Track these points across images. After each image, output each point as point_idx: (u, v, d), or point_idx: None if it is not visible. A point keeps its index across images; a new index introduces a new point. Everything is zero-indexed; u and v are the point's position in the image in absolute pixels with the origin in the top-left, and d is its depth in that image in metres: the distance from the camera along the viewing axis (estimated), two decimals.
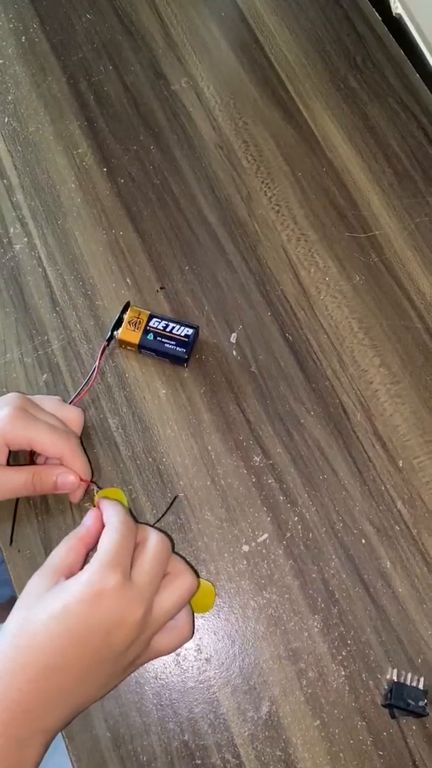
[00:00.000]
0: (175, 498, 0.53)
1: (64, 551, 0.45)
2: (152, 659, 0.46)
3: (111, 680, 0.42)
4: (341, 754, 0.48)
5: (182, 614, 0.45)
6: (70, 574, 0.42)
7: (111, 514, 0.45)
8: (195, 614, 0.50)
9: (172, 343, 0.56)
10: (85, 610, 0.39)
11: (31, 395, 0.55)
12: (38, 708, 0.38)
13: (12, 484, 0.48)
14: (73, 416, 0.52)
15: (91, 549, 0.46)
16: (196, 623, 0.50)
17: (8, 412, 0.47)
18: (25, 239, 0.61)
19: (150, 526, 0.51)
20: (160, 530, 0.48)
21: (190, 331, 0.56)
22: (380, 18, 0.72)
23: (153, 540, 0.45)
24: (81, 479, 0.49)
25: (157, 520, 0.53)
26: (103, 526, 0.45)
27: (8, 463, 0.49)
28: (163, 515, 0.53)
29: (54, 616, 0.39)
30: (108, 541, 0.43)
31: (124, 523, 0.44)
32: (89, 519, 0.46)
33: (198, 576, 0.51)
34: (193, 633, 0.46)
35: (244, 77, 0.69)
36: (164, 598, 0.43)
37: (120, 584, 0.40)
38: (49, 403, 0.52)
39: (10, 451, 0.49)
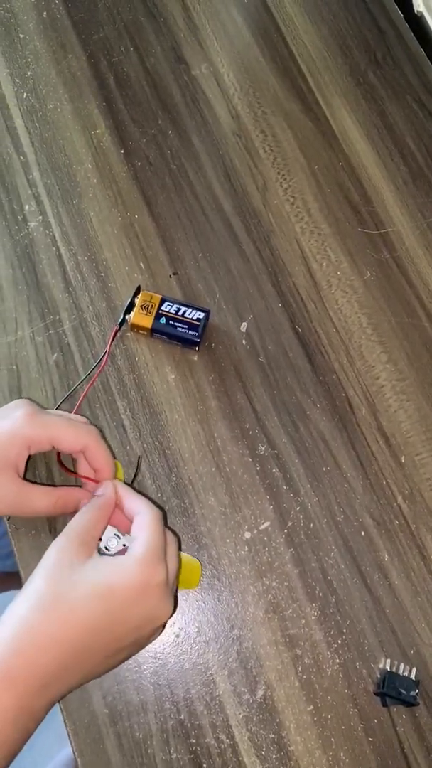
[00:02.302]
0: (140, 459, 0.54)
1: (90, 522, 0.44)
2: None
3: (123, 661, 0.44)
4: (332, 739, 0.49)
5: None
6: (96, 546, 0.43)
7: (141, 503, 0.45)
8: (186, 589, 0.52)
9: (185, 326, 0.56)
10: (130, 598, 0.40)
11: (41, 374, 0.56)
12: (56, 683, 0.38)
13: (34, 506, 0.47)
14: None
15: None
16: (196, 605, 0.51)
17: (24, 411, 0.46)
18: (40, 217, 0.61)
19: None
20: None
21: (202, 315, 0.56)
22: (402, 15, 0.72)
23: (170, 536, 0.45)
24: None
25: (129, 484, 0.53)
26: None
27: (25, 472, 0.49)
28: (133, 479, 0.54)
29: (98, 596, 0.39)
30: (152, 534, 0.42)
31: (157, 516, 0.44)
32: (109, 490, 0.46)
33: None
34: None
35: (265, 66, 0.69)
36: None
37: (164, 583, 0.41)
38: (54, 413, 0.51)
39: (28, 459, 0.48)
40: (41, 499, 0.47)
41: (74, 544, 0.42)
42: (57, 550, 0.41)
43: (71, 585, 0.39)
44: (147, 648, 0.50)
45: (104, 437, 0.55)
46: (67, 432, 0.46)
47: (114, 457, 0.53)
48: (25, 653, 0.38)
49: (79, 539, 0.42)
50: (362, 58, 0.70)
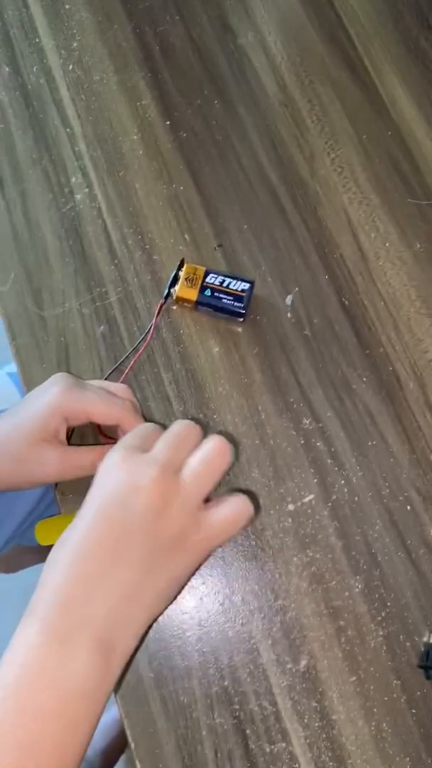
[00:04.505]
0: None
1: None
2: (215, 542, 0.41)
3: (152, 559, 0.39)
4: (375, 709, 0.49)
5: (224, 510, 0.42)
6: None
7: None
8: None
9: (230, 298, 0.56)
10: (97, 489, 0.40)
11: (89, 346, 0.56)
12: (73, 599, 0.37)
13: (81, 463, 0.49)
14: (119, 391, 0.52)
15: None
16: (241, 575, 0.52)
17: (60, 386, 0.48)
18: (86, 189, 0.61)
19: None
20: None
21: (246, 286, 0.56)
22: None
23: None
24: None
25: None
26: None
27: (69, 441, 0.51)
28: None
29: (94, 515, 0.39)
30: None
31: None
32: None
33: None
34: (251, 509, 0.42)
35: (313, 34, 0.67)
36: (191, 464, 0.40)
37: (123, 455, 0.40)
38: (94, 382, 0.52)
39: (74, 430, 0.51)
40: (86, 456, 0.49)
41: None
42: None
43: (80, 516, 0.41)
44: (192, 614, 0.50)
45: (146, 411, 0.55)
46: (100, 407, 0.48)
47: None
48: (40, 585, 0.38)
49: None
50: (414, 23, 0.68)
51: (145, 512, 0.38)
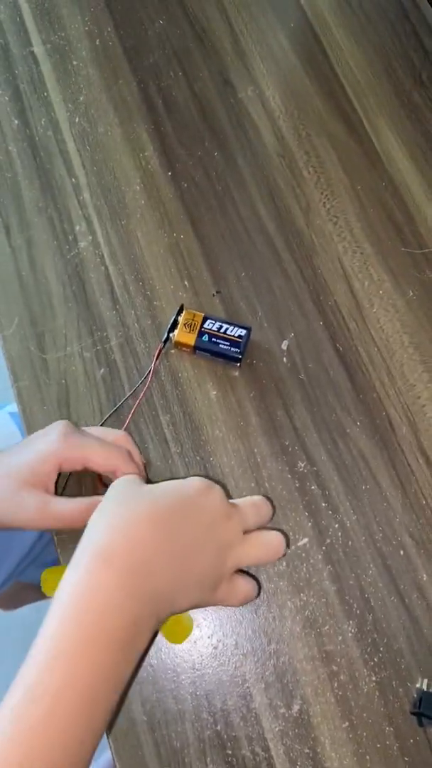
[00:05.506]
0: None
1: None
2: (221, 602, 0.45)
3: (204, 576, 0.42)
4: (368, 757, 0.49)
5: (249, 579, 0.46)
6: None
7: None
8: (170, 643, 0.52)
9: (227, 343, 0.57)
10: (198, 492, 0.43)
11: (89, 389, 0.58)
12: (156, 562, 0.39)
13: (57, 515, 0.48)
14: (118, 439, 0.53)
15: None
16: (234, 619, 0.52)
17: (60, 431, 0.49)
18: (90, 237, 0.63)
19: None
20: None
21: (243, 332, 0.58)
22: None
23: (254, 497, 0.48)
24: None
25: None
26: None
27: (58, 489, 0.52)
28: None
29: (172, 489, 0.43)
30: None
31: None
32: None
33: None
34: (258, 593, 0.48)
35: (310, 88, 0.70)
36: (257, 533, 0.45)
37: (222, 494, 0.44)
38: (94, 429, 0.54)
39: (67, 480, 0.53)
40: (67, 507, 0.48)
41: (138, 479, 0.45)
42: (117, 484, 0.44)
43: (147, 486, 0.43)
44: (185, 658, 0.51)
45: (144, 452, 0.56)
46: (98, 454, 0.49)
47: (147, 476, 0.55)
48: (120, 530, 0.39)
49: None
50: (407, 79, 0.70)
51: (224, 537, 0.43)
